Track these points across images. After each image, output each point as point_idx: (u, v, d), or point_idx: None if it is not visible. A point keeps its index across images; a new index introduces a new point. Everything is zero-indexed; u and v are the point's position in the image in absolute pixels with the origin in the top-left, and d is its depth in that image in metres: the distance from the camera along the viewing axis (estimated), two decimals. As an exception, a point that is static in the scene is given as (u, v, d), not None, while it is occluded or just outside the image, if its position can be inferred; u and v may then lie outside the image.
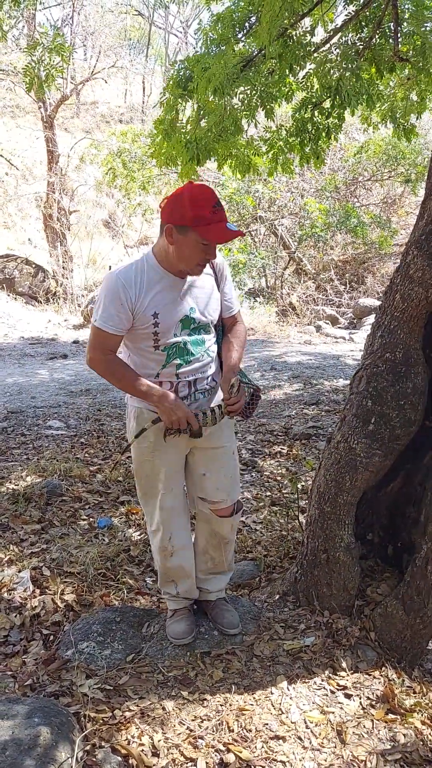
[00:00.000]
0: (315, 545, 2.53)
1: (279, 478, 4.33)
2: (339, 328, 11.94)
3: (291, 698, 2.16)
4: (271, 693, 2.18)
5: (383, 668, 2.32)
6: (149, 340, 2.18)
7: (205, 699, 2.15)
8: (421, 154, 14.74)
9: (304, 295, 13.90)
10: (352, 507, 2.47)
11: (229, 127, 6.07)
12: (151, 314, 2.14)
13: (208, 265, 2.29)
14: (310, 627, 2.48)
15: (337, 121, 6.56)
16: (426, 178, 2.58)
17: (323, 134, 6.67)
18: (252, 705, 2.12)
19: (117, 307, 2.11)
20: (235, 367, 2.28)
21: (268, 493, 4.07)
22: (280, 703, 2.13)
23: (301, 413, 5.81)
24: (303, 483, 4.11)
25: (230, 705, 2.12)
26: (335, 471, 2.46)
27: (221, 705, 2.12)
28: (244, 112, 5.88)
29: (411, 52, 5.90)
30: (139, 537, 3.46)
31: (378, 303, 12.12)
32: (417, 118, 6.65)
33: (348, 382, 6.90)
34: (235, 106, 5.91)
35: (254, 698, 2.15)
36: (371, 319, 11.52)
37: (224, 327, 2.43)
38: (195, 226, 2.02)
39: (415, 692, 2.25)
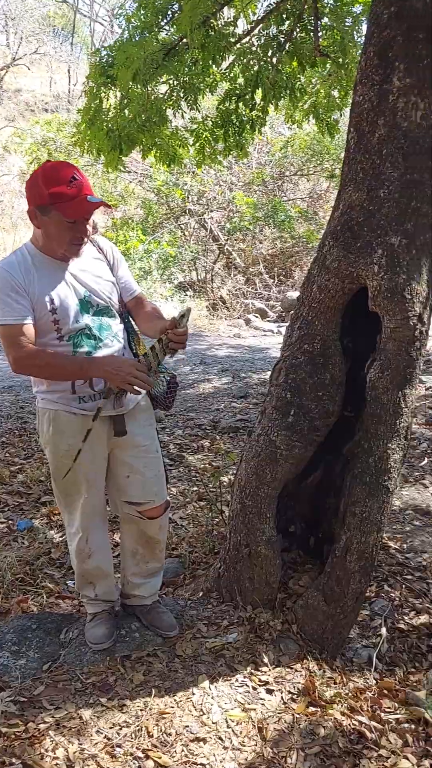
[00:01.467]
0: (237, 540, 2.50)
1: (205, 472, 4.29)
2: (268, 321, 12.03)
3: (213, 698, 2.11)
4: (193, 694, 2.13)
5: (305, 660, 2.31)
6: (51, 331, 2.09)
7: (125, 705, 2.08)
8: (343, 150, 15.03)
9: (234, 289, 13.94)
10: (273, 500, 2.45)
11: (153, 117, 5.98)
12: (46, 300, 2.07)
13: (95, 249, 2.23)
14: (233, 623, 2.44)
15: (261, 114, 6.58)
16: (341, 169, 2.57)
17: (247, 126, 6.67)
18: (173, 708, 2.07)
19: (13, 296, 2.02)
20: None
21: (195, 488, 4.03)
22: (202, 704, 2.09)
23: (229, 406, 5.79)
24: (229, 477, 4.09)
25: (150, 709, 2.06)
26: (256, 464, 2.43)
27: (141, 710, 2.06)
28: (168, 102, 5.80)
29: (331, 47, 5.96)
30: (60, 539, 3.35)
31: (306, 296, 12.29)
32: (340, 115, 6.74)
33: (276, 374, 6.98)
34: (159, 96, 5.82)
35: (175, 700, 2.10)
36: (299, 312, 11.68)
37: (131, 313, 2.37)
38: (54, 204, 1.98)
39: (335, 683, 2.25)
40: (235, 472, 2.60)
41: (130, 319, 2.38)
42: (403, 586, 2.98)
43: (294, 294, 12.66)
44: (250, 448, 2.47)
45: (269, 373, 7.46)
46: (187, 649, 2.32)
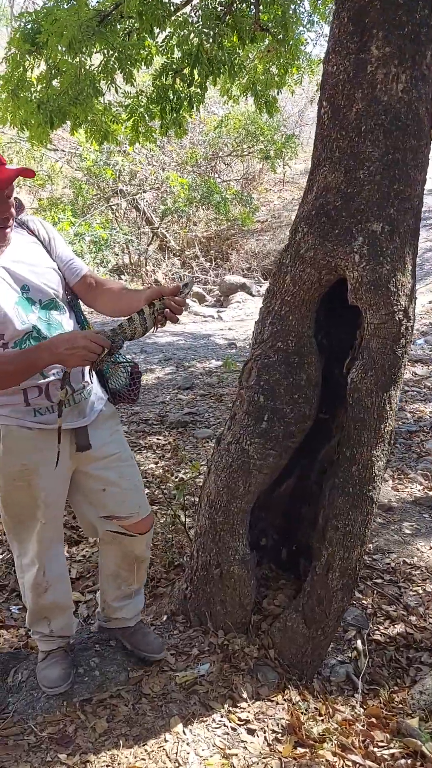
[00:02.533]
0: (206, 559, 2.26)
1: (157, 472, 4.02)
2: (206, 306, 11.78)
3: (188, 744, 1.88)
4: (165, 741, 1.88)
5: (286, 690, 2.11)
6: None
7: (88, 761, 1.81)
8: (278, 131, 14.86)
9: (170, 273, 13.60)
10: (246, 515, 2.22)
11: (86, 89, 5.59)
12: None
13: (26, 232, 1.92)
14: (204, 651, 2.21)
15: (199, 90, 6.28)
16: (313, 147, 2.34)
17: (185, 103, 6.38)
18: (144, 759, 1.82)
19: None
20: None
21: (147, 491, 3.75)
22: (177, 753, 1.85)
23: (175, 399, 5.53)
24: (183, 476, 3.84)
25: (119, 764, 1.80)
26: (227, 476, 2.19)
27: (107, 766, 1.80)
28: (102, 75, 5.43)
29: (272, 22, 5.73)
30: (0, 556, 3.02)
31: (244, 281, 12.10)
32: (277, 92, 6.54)
33: (220, 363, 6.73)
34: (91, 68, 5.45)
35: (146, 750, 1.85)
36: (238, 296, 11.46)
37: (82, 299, 2.05)
38: None
39: (321, 714, 2.06)
40: (201, 483, 2.35)
41: (81, 310, 2.06)
42: (375, 591, 2.83)
43: (232, 278, 12.46)
44: (219, 458, 2.23)
45: (214, 361, 7.24)
46: (154, 686, 2.07)
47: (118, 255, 13.76)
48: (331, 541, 2.13)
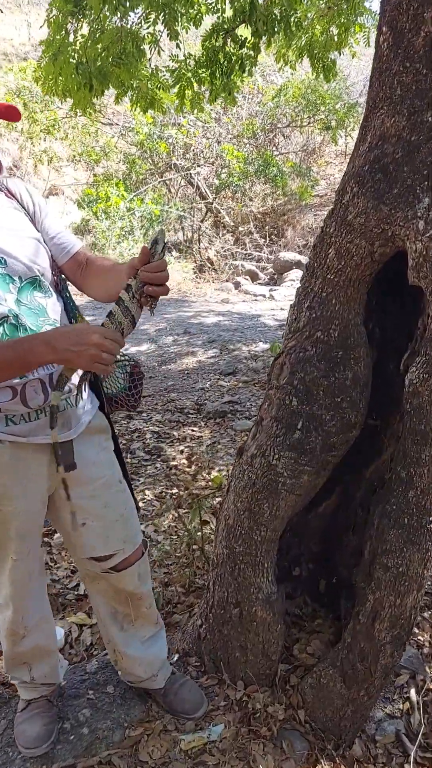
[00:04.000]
0: (224, 595, 1.86)
1: (188, 469, 3.64)
2: (259, 284, 11.27)
3: None
4: None
5: (318, 765, 1.70)
6: None
7: None
8: (341, 100, 14.07)
9: (223, 250, 13.12)
10: (273, 545, 1.80)
11: (130, 50, 5.19)
12: None
13: (3, 195, 1.52)
14: (218, 707, 1.82)
15: (252, 52, 5.81)
16: (368, 90, 1.86)
17: (236, 67, 5.91)
18: None
19: None
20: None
21: (174, 491, 3.38)
22: None
23: (216, 385, 5.12)
24: (216, 476, 3.44)
25: None
26: (249, 497, 1.77)
27: None
28: (146, 36, 5.04)
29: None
30: None
31: (300, 258, 11.51)
32: (339, 53, 6.00)
33: (268, 346, 6.28)
34: (134, 28, 5.05)
35: None
36: (292, 274, 10.90)
37: (71, 281, 1.65)
38: None
39: (361, 800, 1.64)
40: (220, 504, 1.94)
41: (69, 292, 1.65)
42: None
43: (287, 255, 11.89)
44: (241, 474, 1.81)
45: (261, 344, 6.79)
46: (154, 751, 1.70)
47: (170, 231, 13.37)
48: (379, 583, 1.69)
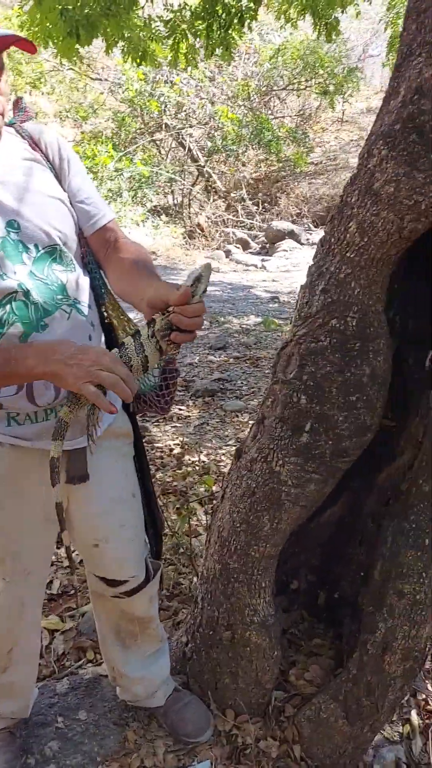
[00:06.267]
0: (214, 615, 1.64)
1: (174, 451, 3.41)
2: (250, 253, 10.95)
3: None
4: None
5: (314, 810, 1.51)
6: None
7: None
8: (341, 63, 13.58)
9: (214, 216, 12.73)
10: (273, 561, 1.58)
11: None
12: None
13: (26, 144, 1.25)
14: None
15: (252, 5, 5.46)
16: (402, 35, 1.58)
17: (235, 20, 5.57)
18: None
19: None
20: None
21: (159, 475, 3.16)
22: None
23: (205, 360, 4.87)
24: (206, 461, 3.22)
25: None
26: (248, 507, 1.54)
27: None
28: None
29: None
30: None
31: (293, 227, 11.17)
32: (342, 12, 5.67)
33: (260, 320, 6.01)
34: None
35: None
36: (285, 244, 10.58)
37: (96, 258, 1.36)
38: None
39: None
40: (213, 512, 1.71)
41: (101, 275, 1.37)
42: None
43: (279, 224, 11.55)
44: (238, 481, 1.58)
45: (252, 317, 6.53)
46: (130, 792, 1.50)
47: (159, 194, 12.93)
48: (392, 610, 1.48)
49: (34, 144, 1.27)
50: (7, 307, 1.15)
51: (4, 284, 1.14)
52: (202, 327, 1.13)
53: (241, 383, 4.37)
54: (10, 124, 1.27)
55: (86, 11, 4.72)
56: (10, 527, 1.30)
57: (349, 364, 1.50)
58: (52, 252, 1.22)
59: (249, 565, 1.56)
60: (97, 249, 1.35)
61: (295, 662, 1.74)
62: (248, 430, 1.65)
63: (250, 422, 3.65)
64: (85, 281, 1.30)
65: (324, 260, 1.54)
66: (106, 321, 1.38)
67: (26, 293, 1.16)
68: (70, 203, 1.29)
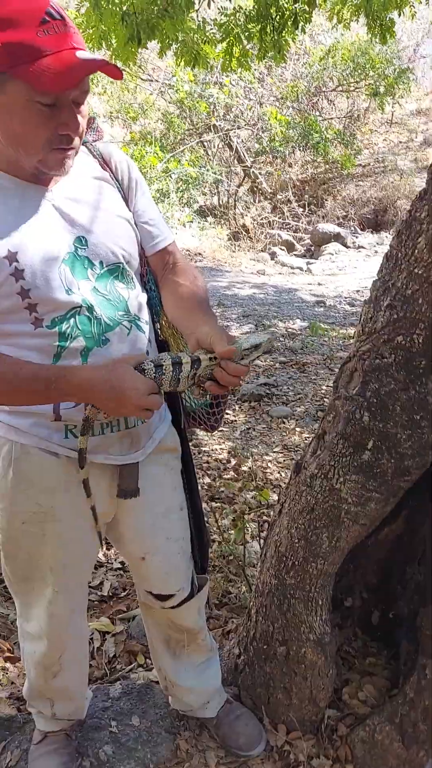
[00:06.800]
0: (268, 629, 1.64)
1: (221, 457, 3.42)
2: (295, 255, 10.89)
3: None
4: None
5: None
6: (19, 311, 1.15)
7: None
8: (392, 64, 13.38)
9: (259, 217, 12.71)
10: (330, 579, 1.56)
11: (178, 0, 4.88)
12: (1, 255, 1.11)
13: (96, 163, 1.28)
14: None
15: (307, 7, 5.44)
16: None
17: (289, 22, 5.55)
18: None
19: None
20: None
21: (207, 480, 3.17)
22: None
23: (251, 364, 4.86)
24: (249, 469, 3.22)
25: None
26: (306, 523, 1.53)
27: None
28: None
29: None
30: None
31: (339, 230, 11.07)
32: (399, 14, 5.61)
33: (306, 324, 5.97)
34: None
35: None
36: (331, 247, 10.49)
37: (155, 278, 1.40)
38: (13, 66, 1.01)
39: None
40: (269, 525, 1.70)
41: (156, 286, 1.41)
42: None
43: (325, 226, 11.46)
44: (297, 496, 1.57)
45: (298, 321, 6.50)
46: (182, 803, 1.51)
47: (205, 195, 12.97)
48: (452, 634, 1.45)
49: (105, 163, 1.30)
50: (71, 321, 1.18)
51: (69, 299, 1.17)
52: (242, 382, 1.19)
53: (287, 389, 4.35)
54: (83, 143, 1.30)
55: (145, 14, 4.78)
56: (65, 538, 1.32)
57: (414, 381, 1.47)
58: (115, 269, 1.25)
59: (306, 582, 1.55)
60: (155, 269, 1.39)
61: (349, 681, 1.72)
62: (294, 436, 1.64)
63: (297, 429, 3.63)
64: (143, 299, 1.33)
65: (390, 275, 1.52)
66: (160, 338, 1.42)
67: (89, 308, 1.19)
68: (134, 223, 1.32)
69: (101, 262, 1.22)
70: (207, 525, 1.63)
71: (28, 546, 1.32)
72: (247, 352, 1.13)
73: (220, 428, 3.74)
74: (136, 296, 1.29)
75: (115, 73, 1.06)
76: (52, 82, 1.00)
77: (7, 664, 2.00)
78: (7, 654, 2.03)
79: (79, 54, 1.02)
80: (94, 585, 2.39)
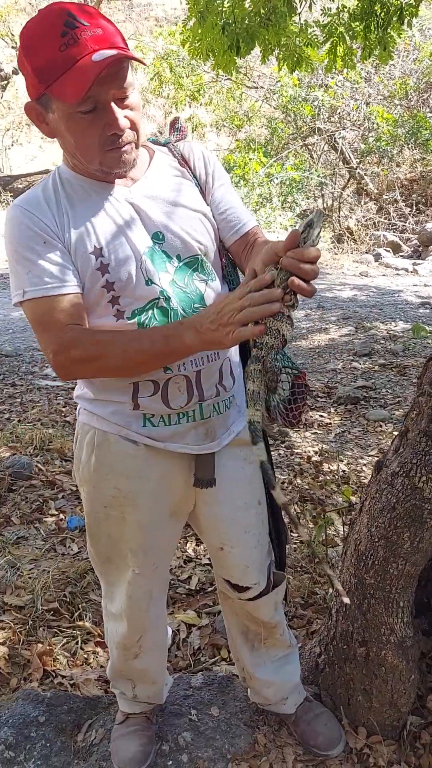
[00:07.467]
0: (348, 629, 1.61)
1: (314, 458, 3.39)
2: (401, 257, 10.57)
3: None
4: None
5: None
6: (101, 303, 1.21)
7: None
8: None
9: (364, 219, 12.45)
10: (412, 581, 1.52)
11: (280, 7, 4.90)
12: (89, 251, 1.19)
13: (173, 159, 1.33)
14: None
15: (412, 1, 5.29)
16: None
17: (395, 18, 5.40)
18: None
19: (39, 250, 1.17)
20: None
21: (298, 481, 3.15)
22: None
23: (349, 367, 4.78)
24: (342, 472, 3.16)
25: None
26: (387, 523, 1.50)
27: None
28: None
29: None
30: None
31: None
32: None
33: (408, 326, 5.79)
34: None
35: None
36: (440, 247, 10.10)
37: (237, 263, 1.41)
38: (48, 87, 1.10)
39: None
40: (350, 525, 1.68)
41: (238, 278, 1.42)
42: None
43: (434, 226, 11.03)
44: (378, 495, 1.54)
45: (401, 323, 6.33)
46: (258, 795, 1.51)
47: (309, 198, 12.88)
48: None
49: (184, 161, 1.35)
50: (150, 312, 1.22)
51: (149, 290, 1.22)
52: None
53: (386, 392, 4.24)
54: (165, 144, 1.36)
55: (246, 23, 4.84)
56: (143, 522, 1.37)
57: None
58: (193, 262, 1.28)
59: (386, 583, 1.51)
60: (238, 254, 1.38)
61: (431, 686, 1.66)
62: (391, 441, 1.60)
63: (395, 433, 3.53)
64: (222, 291, 1.35)
65: None
66: None
67: (167, 300, 1.23)
68: (213, 216, 1.35)
69: (178, 256, 1.26)
70: (289, 524, 1.63)
71: (110, 528, 1.39)
72: (304, 234, 1.07)
73: (315, 431, 3.71)
74: (213, 288, 1.32)
75: (140, 62, 1.12)
76: (72, 92, 1.07)
77: (98, 649, 2.10)
78: (98, 639, 2.12)
79: (95, 56, 1.06)
80: (182, 579, 2.45)
